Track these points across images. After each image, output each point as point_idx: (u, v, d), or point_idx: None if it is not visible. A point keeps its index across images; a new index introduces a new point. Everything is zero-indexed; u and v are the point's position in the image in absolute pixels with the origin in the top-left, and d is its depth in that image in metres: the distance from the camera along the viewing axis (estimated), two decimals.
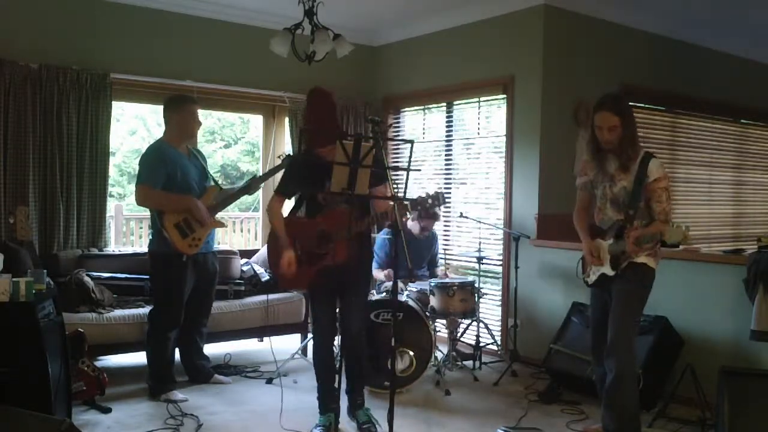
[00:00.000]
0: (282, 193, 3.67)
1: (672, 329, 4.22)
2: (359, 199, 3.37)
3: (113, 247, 5.56)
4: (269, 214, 3.68)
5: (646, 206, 3.32)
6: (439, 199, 3.36)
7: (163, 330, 4.23)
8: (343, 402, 3.78)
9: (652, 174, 3.25)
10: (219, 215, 4.33)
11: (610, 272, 3.37)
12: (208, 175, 4.41)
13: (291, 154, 4.83)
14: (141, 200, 4.19)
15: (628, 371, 3.29)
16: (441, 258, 5.63)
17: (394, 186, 3.47)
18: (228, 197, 4.40)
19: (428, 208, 3.39)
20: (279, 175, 4.74)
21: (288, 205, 3.80)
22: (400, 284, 4.61)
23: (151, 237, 4.30)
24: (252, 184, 4.52)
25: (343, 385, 3.76)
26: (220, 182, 4.56)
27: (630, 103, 5.65)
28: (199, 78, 5.53)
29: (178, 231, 4.10)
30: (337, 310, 3.71)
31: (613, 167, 3.38)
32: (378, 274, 5.01)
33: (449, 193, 6.01)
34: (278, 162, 4.75)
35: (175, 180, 4.14)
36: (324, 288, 3.62)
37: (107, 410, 3.92)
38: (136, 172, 4.22)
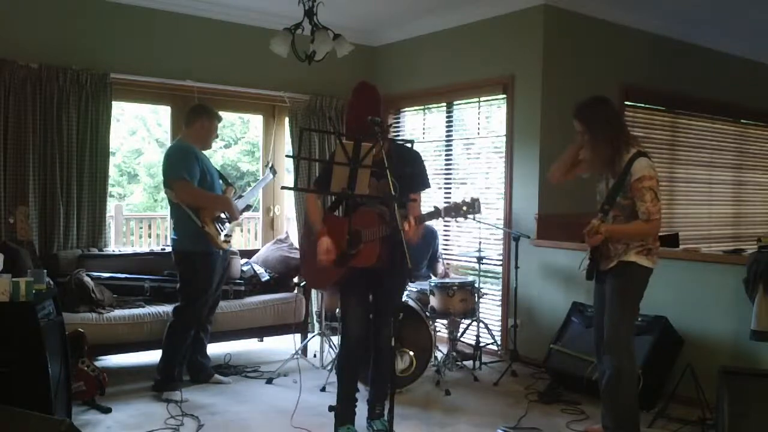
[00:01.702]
0: (317, 184, 3.61)
1: (672, 329, 4.22)
2: (369, 200, 3.35)
3: (113, 247, 5.55)
4: (306, 206, 3.67)
5: (632, 205, 3.31)
6: (474, 206, 3.18)
7: (186, 327, 4.28)
8: (361, 410, 3.67)
9: (635, 173, 3.24)
10: None
11: (587, 262, 3.42)
12: (222, 177, 4.53)
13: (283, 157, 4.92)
14: (184, 195, 4.17)
15: (624, 369, 3.30)
16: (442, 257, 5.64)
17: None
18: (244, 200, 4.59)
19: (464, 215, 3.20)
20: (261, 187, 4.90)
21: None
22: None
23: (177, 237, 4.27)
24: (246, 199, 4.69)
25: (365, 394, 3.73)
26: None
27: (630, 103, 5.80)
28: (199, 78, 5.53)
29: (215, 227, 4.21)
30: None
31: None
32: None
33: (449, 192, 6.02)
34: (266, 171, 4.86)
35: (205, 178, 4.24)
36: (354, 290, 3.48)
37: (107, 410, 3.93)
38: (165, 168, 4.25)
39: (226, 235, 4.29)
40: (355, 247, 3.32)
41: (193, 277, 4.26)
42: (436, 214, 3.24)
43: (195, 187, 4.16)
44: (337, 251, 3.35)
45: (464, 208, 3.18)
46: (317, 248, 3.37)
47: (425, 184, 3.52)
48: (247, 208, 4.68)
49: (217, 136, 4.50)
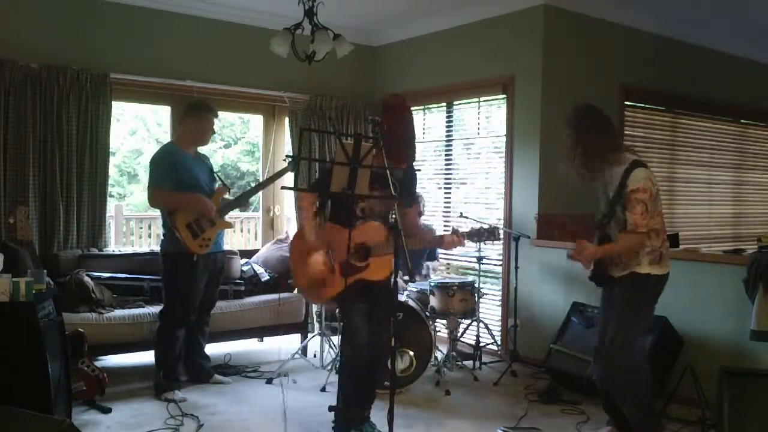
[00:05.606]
0: (316, 186, 3.60)
1: (672, 329, 4.22)
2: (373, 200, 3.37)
3: (113, 247, 5.56)
4: (299, 212, 3.62)
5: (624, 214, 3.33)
6: (494, 234, 3.43)
7: (172, 328, 4.27)
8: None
9: (630, 184, 3.27)
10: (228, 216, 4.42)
11: (588, 273, 3.47)
12: (215, 177, 4.47)
13: (292, 155, 4.86)
14: (152, 201, 4.29)
15: (633, 377, 3.32)
16: (441, 258, 5.65)
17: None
18: (237, 200, 4.51)
19: (484, 240, 3.48)
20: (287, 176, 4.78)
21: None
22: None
23: (162, 237, 4.33)
24: (258, 188, 4.70)
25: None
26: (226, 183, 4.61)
27: (630, 103, 5.80)
28: (199, 78, 5.53)
29: (189, 231, 4.17)
30: None
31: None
32: None
33: (449, 192, 6.02)
34: (284, 165, 4.77)
35: (186, 182, 4.21)
36: (357, 301, 3.47)
37: (107, 410, 3.92)
38: (148, 175, 4.28)
39: (204, 239, 4.19)
40: (363, 260, 3.36)
41: (170, 279, 4.28)
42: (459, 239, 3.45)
43: (163, 192, 4.18)
44: (341, 261, 3.37)
45: (486, 234, 3.43)
46: (308, 266, 3.40)
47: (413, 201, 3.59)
48: (236, 205, 4.53)
49: (214, 132, 4.43)
